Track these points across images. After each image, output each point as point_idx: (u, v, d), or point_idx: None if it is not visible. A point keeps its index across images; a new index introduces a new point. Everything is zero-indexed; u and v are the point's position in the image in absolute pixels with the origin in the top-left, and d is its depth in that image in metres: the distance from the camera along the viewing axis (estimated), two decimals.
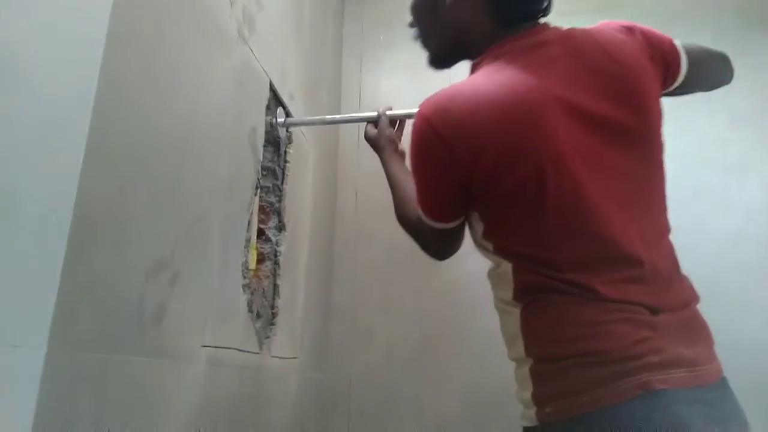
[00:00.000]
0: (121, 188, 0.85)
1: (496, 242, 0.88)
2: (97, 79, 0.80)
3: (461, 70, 0.96)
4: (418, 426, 2.03)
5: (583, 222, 0.81)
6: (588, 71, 0.85)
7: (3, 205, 0.76)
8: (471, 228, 0.94)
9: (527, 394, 0.82)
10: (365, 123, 1.39)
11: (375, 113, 1.37)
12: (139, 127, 0.90)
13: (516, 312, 0.85)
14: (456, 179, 0.84)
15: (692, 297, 0.87)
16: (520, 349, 0.84)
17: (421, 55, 1.04)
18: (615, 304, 0.78)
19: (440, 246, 1.03)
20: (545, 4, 0.92)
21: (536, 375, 0.81)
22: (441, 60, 1.03)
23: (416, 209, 0.98)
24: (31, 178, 0.76)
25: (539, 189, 0.80)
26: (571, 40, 0.88)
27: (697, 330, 0.84)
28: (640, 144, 0.87)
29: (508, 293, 0.86)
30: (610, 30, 0.91)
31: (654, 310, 0.79)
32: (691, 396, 0.74)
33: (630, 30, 0.92)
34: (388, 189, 1.15)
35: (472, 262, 2.12)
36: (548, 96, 0.81)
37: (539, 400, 0.80)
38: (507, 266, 0.86)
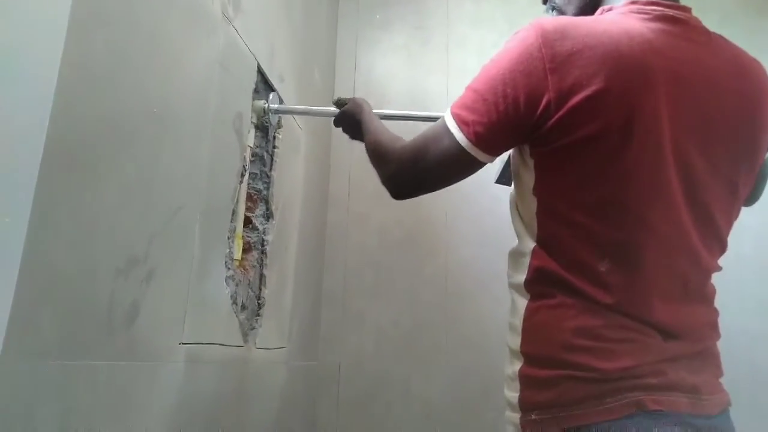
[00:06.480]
0: (87, 182, 0.80)
1: (544, 198, 0.80)
2: (59, 65, 0.74)
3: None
4: (407, 412, 2.01)
5: (645, 206, 0.75)
6: (708, 77, 0.78)
7: None
8: (518, 180, 0.85)
9: (513, 396, 0.78)
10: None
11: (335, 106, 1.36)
12: (107, 115, 0.84)
13: (523, 302, 0.80)
14: (530, 110, 0.75)
15: (712, 332, 0.81)
16: (516, 340, 0.80)
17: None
18: (628, 320, 0.74)
19: (441, 174, 0.87)
20: None
21: (525, 378, 0.77)
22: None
23: (396, 144, 0.92)
24: None
25: (620, 145, 0.74)
26: (714, 41, 0.82)
27: (706, 360, 0.79)
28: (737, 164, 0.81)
29: (521, 277, 0.81)
30: (754, 63, 0.84)
31: (667, 336, 0.75)
32: (685, 421, 0.70)
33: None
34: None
35: (466, 251, 2.10)
36: (666, 68, 0.75)
37: (525, 405, 0.76)
38: (530, 245, 0.81)
